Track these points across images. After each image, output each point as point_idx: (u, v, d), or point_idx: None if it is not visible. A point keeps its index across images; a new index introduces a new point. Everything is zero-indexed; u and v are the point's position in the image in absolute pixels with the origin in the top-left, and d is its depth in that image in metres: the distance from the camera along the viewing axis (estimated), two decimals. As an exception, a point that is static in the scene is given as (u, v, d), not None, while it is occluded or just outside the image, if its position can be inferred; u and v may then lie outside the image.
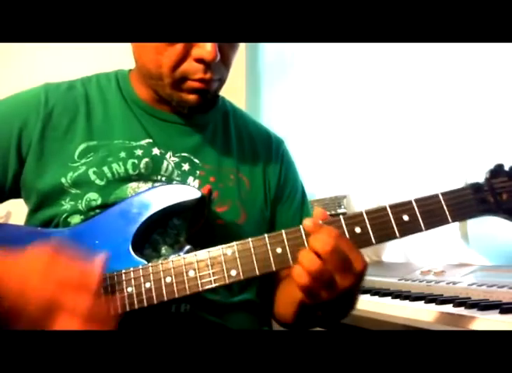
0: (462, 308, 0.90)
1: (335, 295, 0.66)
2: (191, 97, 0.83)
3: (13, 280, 0.66)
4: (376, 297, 1.16)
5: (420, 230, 0.70)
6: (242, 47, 0.88)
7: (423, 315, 0.94)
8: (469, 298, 0.99)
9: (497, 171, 0.72)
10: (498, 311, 0.83)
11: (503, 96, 1.34)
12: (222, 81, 0.87)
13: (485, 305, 0.86)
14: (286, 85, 2.32)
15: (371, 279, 1.37)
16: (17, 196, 0.89)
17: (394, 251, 1.63)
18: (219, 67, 0.83)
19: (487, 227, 1.29)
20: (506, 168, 0.72)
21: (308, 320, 0.87)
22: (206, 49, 0.78)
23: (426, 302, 1.01)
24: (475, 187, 0.71)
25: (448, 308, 0.93)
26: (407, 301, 1.05)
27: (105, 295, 0.70)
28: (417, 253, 1.54)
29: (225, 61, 0.83)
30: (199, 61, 0.79)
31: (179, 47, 0.79)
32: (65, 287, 0.65)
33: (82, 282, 0.66)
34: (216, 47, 0.78)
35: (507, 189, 0.71)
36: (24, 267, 0.67)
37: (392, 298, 1.11)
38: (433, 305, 0.97)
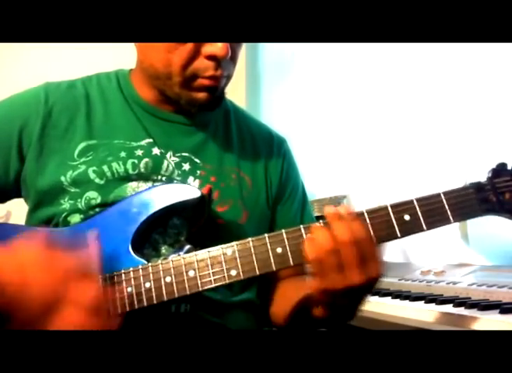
0: (462, 308, 0.90)
1: (343, 287, 0.66)
2: (201, 95, 0.83)
3: (12, 273, 0.65)
4: (377, 297, 1.16)
5: (422, 230, 0.69)
6: (242, 46, 0.88)
7: (423, 315, 0.94)
8: (469, 298, 0.99)
9: (500, 170, 0.71)
10: (498, 311, 0.83)
11: (504, 95, 1.34)
12: (229, 78, 0.87)
13: (485, 305, 0.86)
14: (286, 85, 2.32)
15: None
16: (19, 195, 0.89)
17: (394, 251, 1.63)
18: (227, 64, 0.83)
19: (487, 227, 1.28)
20: (509, 167, 0.71)
21: (302, 324, 0.86)
22: (218, 46, 0.78)
23: (426, 302, 1.01)
24: (478, 186, 0.71)
25: (448, 308, 0.93)
26: (407, 301, 1.05)
27: (107, 287, 0.70)
28: (417, 253, 1.53)
29: (232, 57, 0.83)
30: (211, 58, 0.79)
31: (190, 45, 0.79)
32: (67, 278, 0.65)
33: (82, 272, 0.66)
34: (227, 43, 0.78)
35: (510, 188, 0.70)
36: (21, 259, 0.66)
37: (392, 298, 1.11)
38: (433, 305, 0.97)
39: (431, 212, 0.69)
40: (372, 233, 0.69)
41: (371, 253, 0.66)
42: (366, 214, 0.69)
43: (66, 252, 0.67)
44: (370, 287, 0.68)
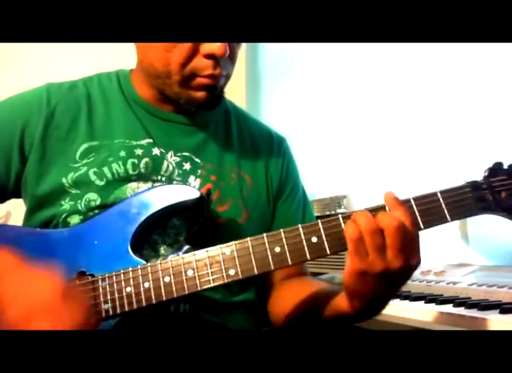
0: (462, 308, 0.90)
1: (382, 269, 0.65)
2: (200, 94, 0.83)
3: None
4: (376, 297, 1.16)
5: (419, 229, 0.69)
6: (242, 46, 0.88)
7: (423, 315, 0.94)
8: (469, 298, 0.99)
9: (496, 169, 0.72)
10: (498, 311, 0.83)
11: (502, 95, 1.34)
12: (228, 77, 0.87)
13: (485, 305, 0.86)
14: (286, 85, 2.32)
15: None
16: (18, 196, 0.89)
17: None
18: (226, 63, 0.83)
19: (487, 227, 1.28)
20: (505, 166, 0.72)
21: (308, 322, 0.86)
22: (216, 44, 0.78)
23: (426, 302, 1.01)
24: (474, 185, 0.71)
25: (448, 308, 0.93)
26: (407, 301, 1.05)
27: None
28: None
29: (231, 57, 0.83)
30: (209, 56, 0.80)
31: (188, 43, 0.79)
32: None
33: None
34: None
35: (506, 187, 0.71)
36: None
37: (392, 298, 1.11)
38: (433, 305, 0.97)
39: (428, 211, 0.70)
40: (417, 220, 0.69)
41: (413, 240, 0.67)
42: (412, 201, 0.70)
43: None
44: (408, 274, 0.68)
